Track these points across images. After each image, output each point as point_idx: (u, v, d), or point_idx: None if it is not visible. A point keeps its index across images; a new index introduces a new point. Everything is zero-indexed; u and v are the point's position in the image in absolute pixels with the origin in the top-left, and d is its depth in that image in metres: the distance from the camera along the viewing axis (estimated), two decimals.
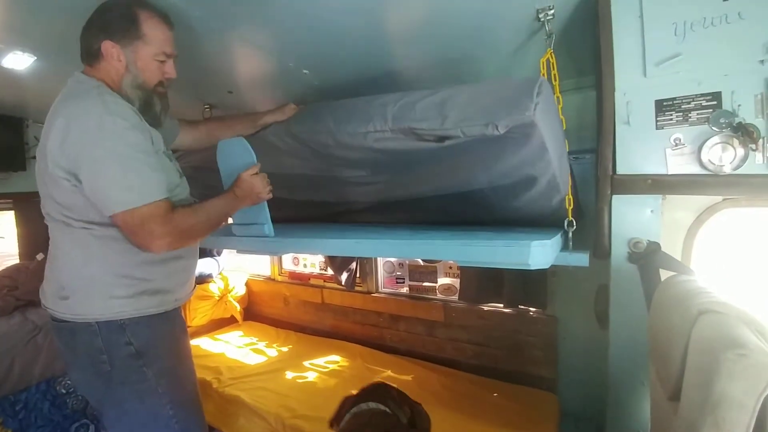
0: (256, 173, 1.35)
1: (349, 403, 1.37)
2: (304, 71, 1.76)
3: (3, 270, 2.40)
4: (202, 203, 1.24)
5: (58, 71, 1.24)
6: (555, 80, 1.25)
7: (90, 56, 1.18)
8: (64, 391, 2.19)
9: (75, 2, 1.18)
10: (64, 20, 1.20)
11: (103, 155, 1.05)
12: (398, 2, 1.33)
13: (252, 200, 1.36)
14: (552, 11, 1.23)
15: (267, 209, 1.43)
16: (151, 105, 1.22)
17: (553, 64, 1.25)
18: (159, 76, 1.22)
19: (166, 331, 1.27)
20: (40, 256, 2.43)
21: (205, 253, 3.08)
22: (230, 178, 1.44)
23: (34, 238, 2.49)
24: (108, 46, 1.15)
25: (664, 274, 1.10)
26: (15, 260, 2.56)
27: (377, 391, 1.39)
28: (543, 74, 1.27)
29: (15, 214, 2.56)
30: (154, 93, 1.22)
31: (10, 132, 2.32)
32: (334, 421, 1.37)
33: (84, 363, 1.17)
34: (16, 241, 2.62)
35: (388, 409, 1.30)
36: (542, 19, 1.25)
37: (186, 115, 2.32)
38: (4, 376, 1.98)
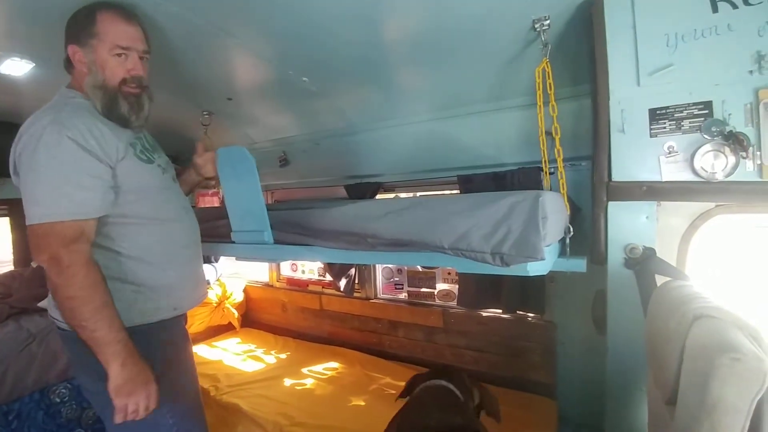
0: (152, 385, 1.12)
1: (420, 379, 1.41)
2: (304, 79, 1.77)
3: None
4: (108, 300, 1.08)
5: (57, 78, 1.24)
6: (550, 89, 1.27)
7: (66, 64, 1.21)
8: (58, 400, 2.15)
9: (74, 10, 1.19)
10: (63, 27, 1.20)
11: (28, 166, 1.05)
12: (395, 12, 1.36)
13: (117, 380, 1.07)
14: (547, 21, 1.26)
15: (266, 215, 1.44)
16: (115, 105, 1.17)
17: (548, 73, 1.27)
18: (122, 73, 1.18)
19: (165, 340, 1.25)
20: (34, 264, 2.41)
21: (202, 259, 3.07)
22: (229, 185, 1.45)
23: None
24: (72, 51, 1.17)
25: (660, 280, 1.12)
26: (9, 267, 2.54)
27: (448, 371, 1.43)
28: (538, 83, 1.29)
29: (10, 220, 2.55)
30: (119, 93, 1.18)
31: (5, 138, 2.30)
32: (403, 394, 1.42)
33: (87, 370, 1.16)
34: (11, 247, 2.60)
35: (456, 390, 1.34)
36: (538, 29, 1.28)
37: (185, 121, 2.34)
38: None
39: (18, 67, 1.64)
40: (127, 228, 1.18)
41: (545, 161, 1.34)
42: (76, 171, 1.06)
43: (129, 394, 1.07)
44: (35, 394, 2.08)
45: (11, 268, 2.54)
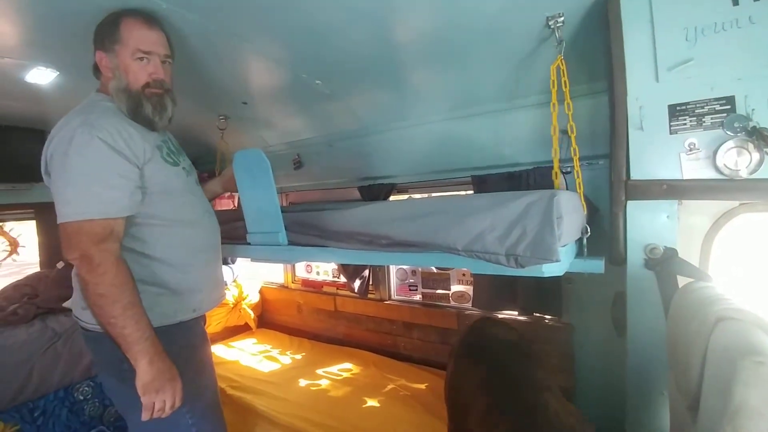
0: (178, 382, 1.14)
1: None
2: (317, 82, 1.79)
3: (24, 278, 2.46)
4: (136, 298, 1.10)
5: (80, 85, 1.29)
6: (566, 86, 1.25)
7: (94, 70, 1.26)
8: (81, 397, 2.22)
9: (97, 19, 1.23)
10: (86, 37, 1.25)
11: (60, 167, 1.08)
12: (407, 13, 1.35)
13: (145, 377, 1.09)
14: (562, 18, 1.24)
15: (281, 217, 1.45)
16: (140, 108, 1.21)
17: (563, 70, 1.25)
18: (144, 77, 1.21)
19: (184, 341, 1.28)
20: (60, 265, 2.49)
21: None
22: (245, 188, 1.47)
23: (55, 246, 2.54)
24: (99, 57, 1.22)
25: (682, 281, 1.09)
26: (36, 269, 2.62)
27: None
28: (553, 80, 1.27)
29: (36, 223, 2.63)
30: (143, 95, 1.21)
31: (32, 144, 2.40)
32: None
33: (109, 370, 1.18)
34: (38, 249, 2.69)
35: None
36: (552, 26, 1.26)
37: (203, 126, 2.38)
38: (24, 383, 2.01)
39: (43, 76, 1.70)
40: (152, 229, 1.21)
41: (556, 160, 1.32)
42: (105, 171, 1.09)
43: (157, 391, 1.09)
44: (60, 392, 2.15)
45: (38, 269, 2.63)
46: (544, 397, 1.29)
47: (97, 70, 1.25)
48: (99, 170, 1.08)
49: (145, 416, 1.10)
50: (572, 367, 2.04)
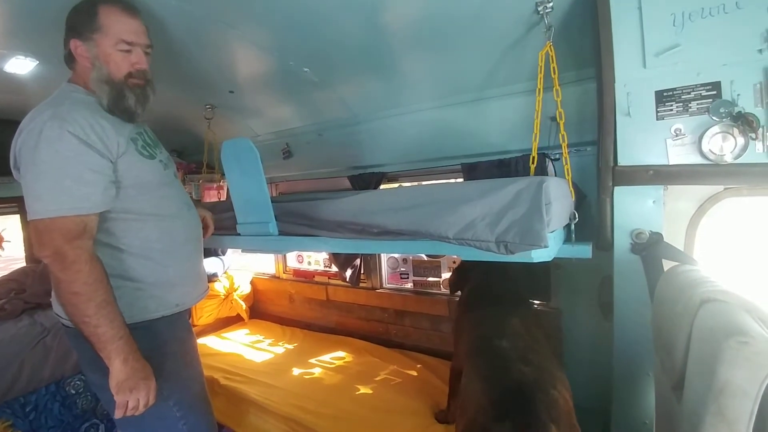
0: (152, 381, 1.12)
1: None
2: (305, 69, 1.76)
3: (10, 273, 2.42)
4: (110, 296, 1.08)
5: (60, 75, 1.25)
6: (554, 73, 1.25)
7: (67, 59, 1.21)
8: (73, 391, 2.21)
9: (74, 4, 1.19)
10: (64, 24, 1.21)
11: (29, 161, 1.05)
12: (397, 0, 1.33)
13: (119, 375, 1.07)
14: (551, 4, 1.24)
15: (271, 207, 1.44)
16: (122, 98, 1.18)
17: (552, 56, 1.25)
18: (127, 67, 1.18)
19: (168, 335, 1.26)
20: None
21: (210, 252, 3.09)
22: (234, 178, 1.45)
23: None
24: (75, 45, 1.17)
25: (667, 265, 1.11)
26: (21, 264, 2.58)
27: None
28: (541, 66, 1.27)
29: (21, 217, 2.58)
30: (126, 85, 1.18)
31: (13, 136, 2.34)
32: None
33: (92, 366, 1.16)
34: (23, 244, 2.64)
35: None
36: (541, 12, 1.26)
37: (189, 115, 2.34)
38: (14, 378, 2.00)
39: (22, 65, 1.66)
40: (128, 224, 1.18)
41: (535, 147, 1.33)
42: (77, 165, 1.05)
43: (131, 390, 1.08)
44: (51, 386, 2.14)
45: (24, 264, 2.58)
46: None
47: (70, 59, 1.20)
48: (70, 165, 1.05)
49: (118, 414, 1.09)
50: (560, 350, 2.08)
